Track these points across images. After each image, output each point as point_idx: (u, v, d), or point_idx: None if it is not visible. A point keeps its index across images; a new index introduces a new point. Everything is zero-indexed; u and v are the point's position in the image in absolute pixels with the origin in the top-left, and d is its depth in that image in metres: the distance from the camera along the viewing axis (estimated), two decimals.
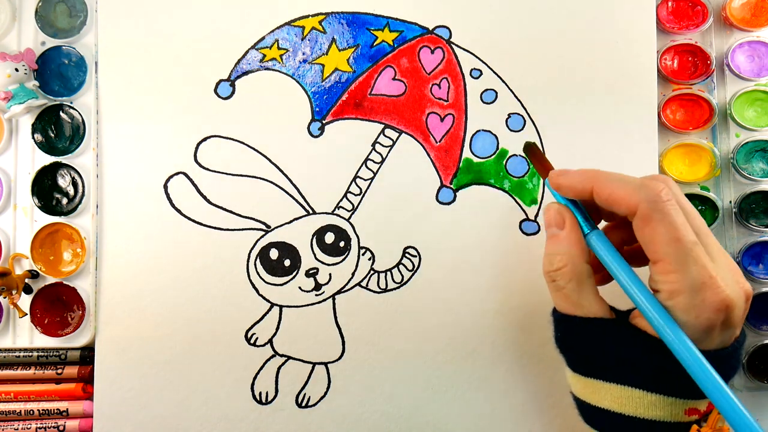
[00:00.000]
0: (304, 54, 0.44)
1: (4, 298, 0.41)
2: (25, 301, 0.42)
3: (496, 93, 0.44)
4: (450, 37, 0.44)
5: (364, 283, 0.43)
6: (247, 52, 0.43)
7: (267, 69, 0.43)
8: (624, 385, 0.31)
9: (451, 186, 0.43)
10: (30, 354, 0.43)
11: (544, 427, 0.42)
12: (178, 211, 0.42)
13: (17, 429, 0.42)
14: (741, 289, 0.30)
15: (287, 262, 0.42)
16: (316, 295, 0.43)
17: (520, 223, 0.43)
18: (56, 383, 0.42)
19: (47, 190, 0.43)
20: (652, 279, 0.31)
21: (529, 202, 0.43)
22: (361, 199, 0.43)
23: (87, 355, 0.43)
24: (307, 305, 0.43)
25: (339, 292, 0.43)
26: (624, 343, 0.31)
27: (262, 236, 0.42)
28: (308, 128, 0.43)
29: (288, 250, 0.42)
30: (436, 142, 0.43)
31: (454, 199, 0.43)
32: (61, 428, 0.42)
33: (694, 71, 0.45)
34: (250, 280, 0.42)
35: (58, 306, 0.43)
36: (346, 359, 0.42)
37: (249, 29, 0.43)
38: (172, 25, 0.43)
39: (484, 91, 0.44)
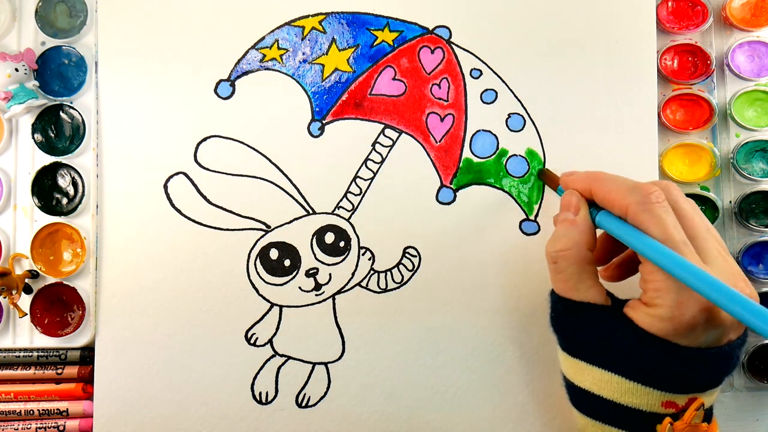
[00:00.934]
0: (304, 54, 0.44)
1: (4, 298, 0.41)
2: (25, 301, 0.42)
3: (496, 93, 0.44)
4: (450, 37, 0.44)
5: (364, 283, 0.43)
6: (247, 52, 0.43)
7: (267, 69, 0.43)
8: (605, 369, 0.33)
9: (451, 186, 0.43)
10: (30, 354, 0.43)
11: (544, 427, 0.42)
12: (178, 211, 0.42)
13: (17, 429, 0.42)
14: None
15: (287, 262, 0.42)
16: (316, 295, 0.43)
17: (520, 223, 0.43)
18: (56, 383, 0.42)
19: (47, 190, 0.43)
20: (641, 279, 0.32)
21: (529, 202, 0.43)
22: (361, 199, 0.43)
23: (87, 355, 0.43)
24: (307, 305, 0.43)
25: (339, 292, 0.43)
26: (611, 330, 0.32)
27: (262, 236, 0.42)
28: (308, 128, 0.43)
29: (288, 250, 0.42)
30: (436, 142, 0.43)
31: (454, 199, 0.43)
32: (61, 428, 0.42)
33: (694, 71, 0.45)
34: (250, 280, 0.42)
35: (58, 306, 0.43)
36: (346, 359, 0.42)
37: (249, 29, 0.43)
38: (172, 25, 0.43)
39: (484, 91, 0.44)
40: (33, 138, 0.43)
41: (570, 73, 0.44)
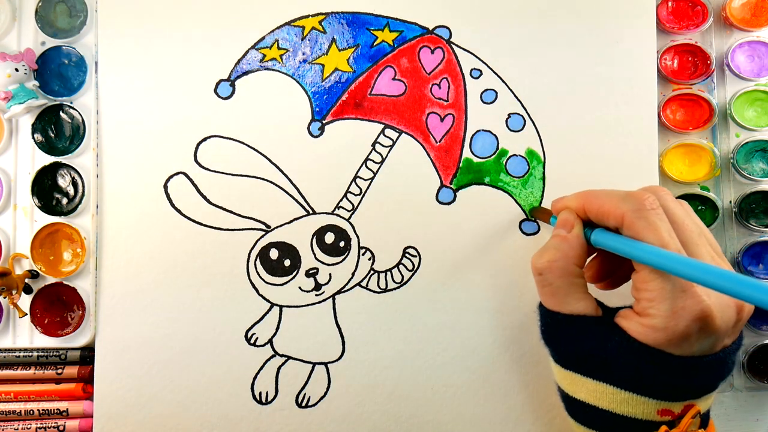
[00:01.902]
0: (304, 54, 0.44)
1: (4, 298, 0.41)
2: (25, 301, 0.42)
3: (496, 93, 0.44)
4: (450, 37, 0.44)
5: (364, 283, 0.43)
6: (247, 52, 0.43)
7: (267, 69, 0.43)
8: (599, 380, 0.32)
9: (451, 186, 0.43)
10: (30, 354, 0.43)
11: (544, 427, 0.42)
12: (178, 211, 0.42)
13: (17, 429, 0.42)
14: (731, 300, 0.30)
15: (287, 262, 0.42)
16: (316, 295, 0.43)
17: (520, 223, 0.43)
18: (56, 383, 0.42)
19: (47, 190, 0.43)
20: (634, 287, 0.32)
21: (529, 202, 0.43)
22: (361, 199, 0.43)
23: (87, 355, 0.43)
24: (307, 305, 0.43)
25: (339, 292, 0.43)
26: (603, 341, 0.32)
27: (262, 236, 0.42)
28: (308, 128, 0.43)
29: (288, 250, 0.42)
30: (436, 142, 0.43)
31: (454, 199, 0.43)
32: (61, 428, 0.42)
33: (694, 71, 0.45)
34: (250, 280, 0.42)
35: (58, 306, 0.43)
36: (346, 359, 0.42)
37: (249, 29, 0.43)
38: (172, 25, 0.43)
39: (484, 91, 0.44)
40: (33, 138, 0.43)
41: (570, 73, 0.44)
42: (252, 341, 0.42)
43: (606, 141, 0.43)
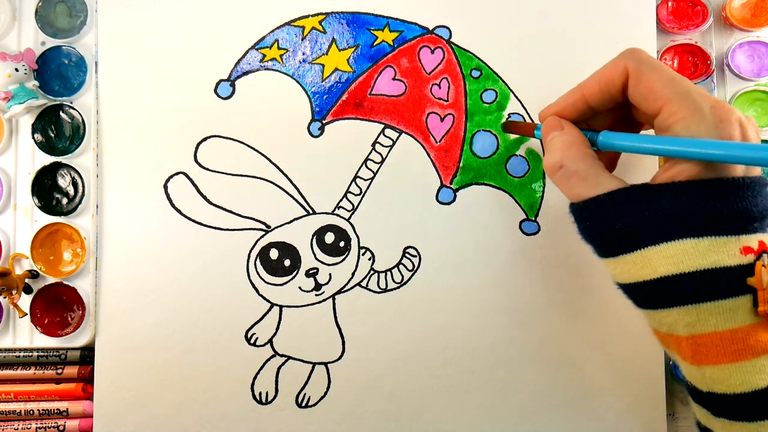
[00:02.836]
0: (304, 54, 0.44)
1: (4, 298, 0.41)
2: (25, 301, 0.42)
3: (496, 93, 0.44)
4: (450, 37, 0.44)
5: (364, 283, 0.43)
6: (247, 52, 0.43)
7: (267, 69, 0.43)
8: (673, 240, 0.30)
9: (451, 186, 0.43)
10: (30, 354, 0.43)
11: (544, 427, 0.42)
12: (178, 211, 0.42)
13: (17, 429, 0.42)
14: (743, 116, 0.31)
15: (287, 262, 0.42)
16: (316, 295, 0.43)
17: (520, 223, 0.43)
18: (56, 383, 0.42)
19: (47, 190, 0.43)
20: (659, 128, 0.31)
21: (529, 202, 0.43)
22: (361, 199, 0.43)
23: (87, 355, 0.43)
24: (307, 305, 0.43)
25: (339, 292, 0.43)
26: (660, 199, 0.31)
27: (262, 236, 0.42)
28: (308, 128, 0.43)
29: (288, 250, 0.42)
30: (436, 142, 0.43)
31: (454, 199, 0.43)
32: (61, 428, 0.42)
33: (694, 71, 0.45)
34: (250, 280, 0.42)
35: (58, 306, 0.43)
36: (346, 359, 0.42)
37: (249, 29, 0.43)
38: (172, 25, 0.43)
39: (484, 91, 0.44)
40: (33, 138, 0.43)
41: (570, 73, 0.43)
42: (252, 341, 0.42)
43: None
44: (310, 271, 0.42)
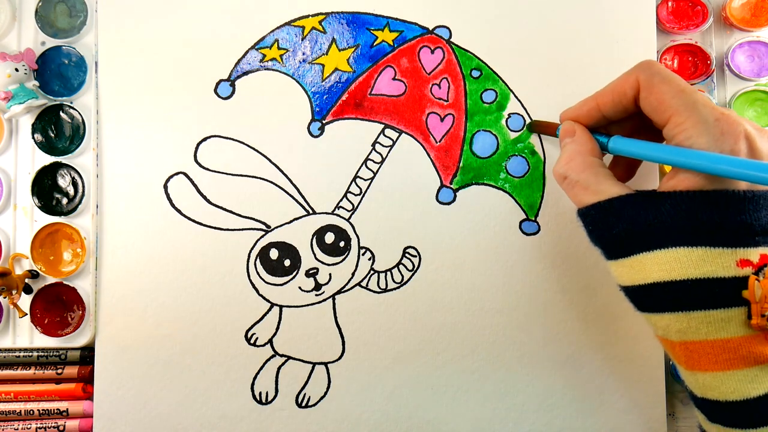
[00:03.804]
0: (304, 54, 0.44)
1: (4, 298, 0.41)
2: (25, 301, 0.42)
3: (496, 93, 0.44)
4: (450, 37, 0.44)
5: (364, 283, 0.43)
6: (247, 52, 0.43)
7: (267, 69, 0.43)
8: (666, 248, 0.31)
9: (451, 186, 0.43)
10: (30, 354, 0.43)
11: (544, 427, 0.42)
12: (178, 211, 0.42)
13: (17, 429, 0.42)
14: (752, 126, 0.31)
15: (287, 262, 0.42)
16: (316, 295, 0.43)
17: (520, 223, 0.43)
18: (56, 383, 0.42)
19: (47, 190, 0.43)
20: (667, 138, 0.32)
21: (529, 202, 0.43)
22: (361, 199, 0.43)
23: (87, 355, 0.43)
24: (307, 305, 0.43)
25: (339, 292, 0.43)
26: (659, 206, 0.31)
27: (262, 236, 0.43)
28: (308, 128, 0.43)
29: (288, 250, 0.42)
30: (436, 142, 0.43)
31: (454, 199, 0.43)
32: (61, 428, 0.42)
33: (694, 71, 0.45)
34: (250, 280, 0.42)
35: (58, 306, 0.43)
36: (346, 359, 0.42)
37: (249, 29, 0.43)
38: (172, 25, 0.43)
39: (484, 91, 0.44)
40: (33, 138, 0.43)
41: (570, 73, 0.44)
42: (252, 341, 0.42)
43: None
44: (310, 271, 0.42)
